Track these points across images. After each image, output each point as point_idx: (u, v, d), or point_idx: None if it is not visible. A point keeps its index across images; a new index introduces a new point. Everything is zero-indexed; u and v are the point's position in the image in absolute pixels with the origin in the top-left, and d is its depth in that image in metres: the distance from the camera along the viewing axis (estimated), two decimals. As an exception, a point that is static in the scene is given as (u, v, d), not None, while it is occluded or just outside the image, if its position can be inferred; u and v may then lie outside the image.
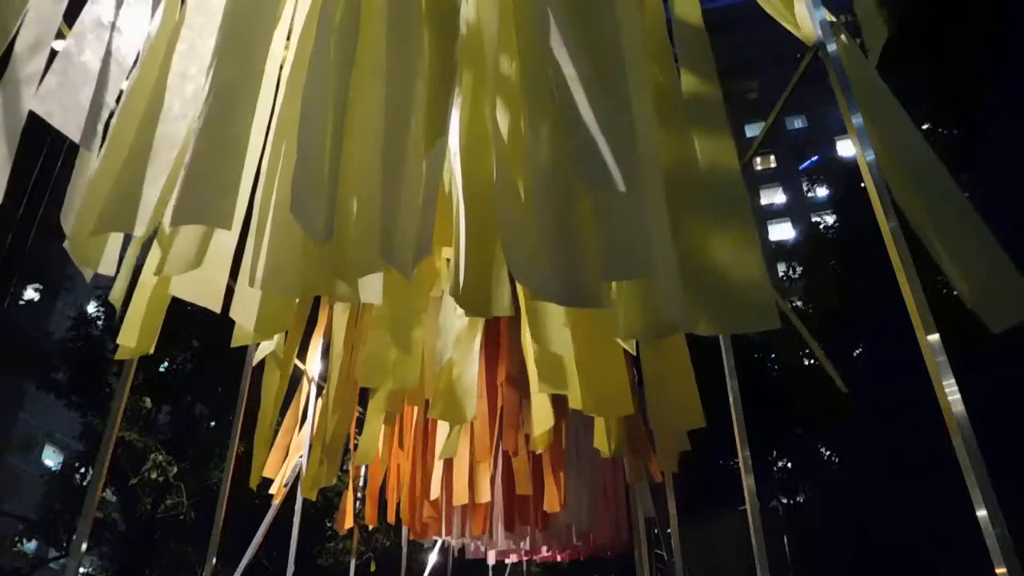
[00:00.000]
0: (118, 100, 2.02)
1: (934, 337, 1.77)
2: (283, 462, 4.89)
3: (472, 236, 1.89)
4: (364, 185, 1.82)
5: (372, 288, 2.03)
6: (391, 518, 5.45)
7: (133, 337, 2.36)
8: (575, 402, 2.55)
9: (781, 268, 17.41)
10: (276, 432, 4.38)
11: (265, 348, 3.56)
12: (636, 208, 1.59)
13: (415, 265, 1.75)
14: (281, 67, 2.27)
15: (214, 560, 3.63)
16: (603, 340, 2.45)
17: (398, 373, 2.87)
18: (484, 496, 4.69)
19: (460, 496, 4.67)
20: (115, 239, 2.10)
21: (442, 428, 4.46)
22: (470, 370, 3.03)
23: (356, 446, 4.51)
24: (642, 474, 5.18)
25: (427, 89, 1.84)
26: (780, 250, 19.50)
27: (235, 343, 2.46)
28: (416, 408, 4.80)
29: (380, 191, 1.70)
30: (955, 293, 2.15)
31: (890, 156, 2.24)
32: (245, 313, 2.20)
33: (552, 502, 4.98)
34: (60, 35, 2.09)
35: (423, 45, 1.90)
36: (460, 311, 2.72)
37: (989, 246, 2.07)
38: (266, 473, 3.58)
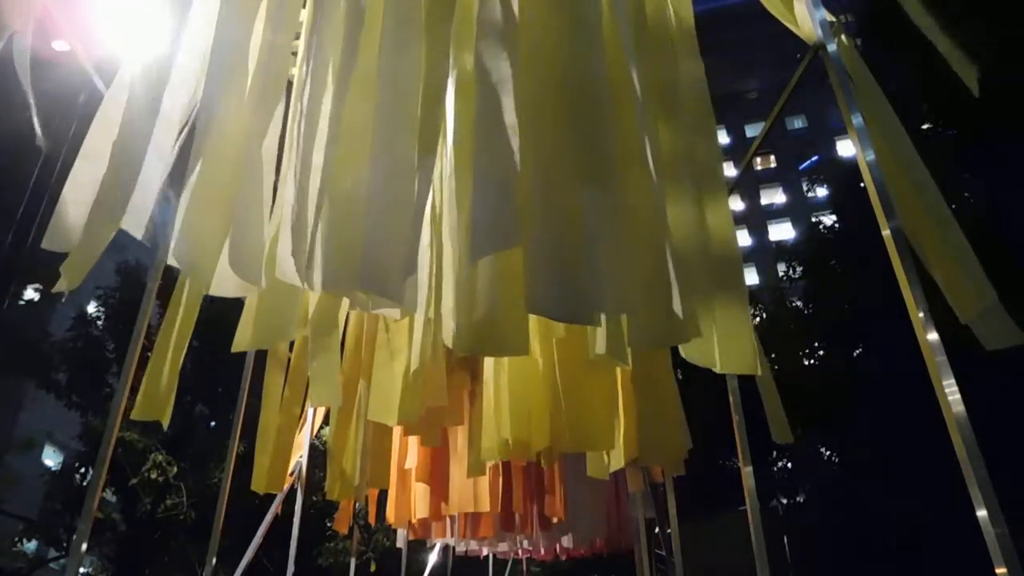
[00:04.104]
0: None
1: (934, 337, 1.77)
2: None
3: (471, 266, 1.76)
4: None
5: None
6: (393, 519, 5.44)
7: (147, 411, 2.50)
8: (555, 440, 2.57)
9: (781, 268, 17.39)
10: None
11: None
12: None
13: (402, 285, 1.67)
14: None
15: (214, 560, 3.63)
16: (587, 371, 2.45)
17: (404, 408, 2.83)
18: (484, 506, 4.67)
19: (464, 505, 4.66)
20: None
21: (449, 437, 4.46)
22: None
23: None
24: (642, 480, 5.18)
25: (421, 104, 1.79)
26: (780, 250, 19.51)
27: (235, 348, 2.45)
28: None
29: (366, 213, 1.65)
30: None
31: (883, 161, 2.25)
32: (249, 318, 2.21)
33: (553, 509, 4.97)
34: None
35: (420, 57, 1.85)
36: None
37: (975, 267, 2.10)
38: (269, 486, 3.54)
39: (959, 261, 2.12)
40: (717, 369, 2.01)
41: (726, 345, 1.99)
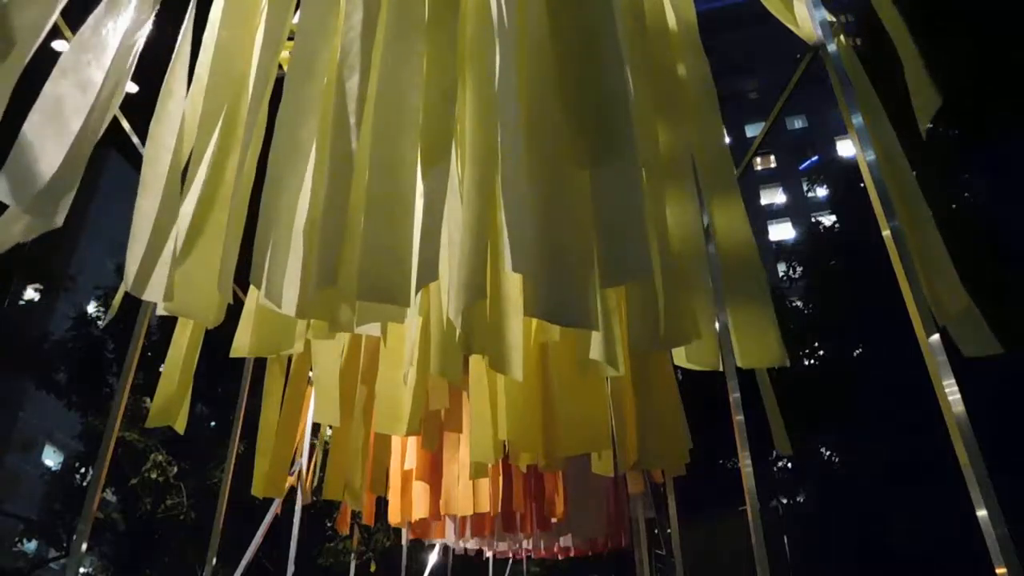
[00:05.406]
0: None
1: (934, 337, 1.77)
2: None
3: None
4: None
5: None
6: (393, 519, 5.44)
7: (164, 417, 2.45)
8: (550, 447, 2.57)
9: (781, 268, 17.40)
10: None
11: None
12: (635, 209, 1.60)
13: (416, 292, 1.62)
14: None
15: (214, 560, 3.63)
16: (585, 372, 2.45)
17: (410, 418, 2.79)
18: (484, 506, 4.67)
19: (465, 506, 4.66)
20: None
21: (449, 438, 4.46)
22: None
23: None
24: (642, 482, 5.18)
25: (424, 112, 1.71)
26: (780, 250, 19.52)
27: (234, 354, 2.41)
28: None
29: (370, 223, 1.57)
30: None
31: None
32: (247, 328, 2.20)
33: (553, 509, 4.97)
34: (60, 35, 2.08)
35: (422, 62, 1.77)
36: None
37: (949, 271, 2.08)
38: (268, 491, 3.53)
39: (937, 264, 2.12)
40: (739, 364, 2.02)
41: (746, 340, 1.99)
